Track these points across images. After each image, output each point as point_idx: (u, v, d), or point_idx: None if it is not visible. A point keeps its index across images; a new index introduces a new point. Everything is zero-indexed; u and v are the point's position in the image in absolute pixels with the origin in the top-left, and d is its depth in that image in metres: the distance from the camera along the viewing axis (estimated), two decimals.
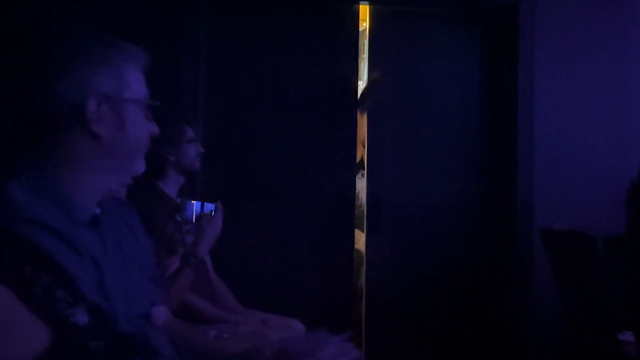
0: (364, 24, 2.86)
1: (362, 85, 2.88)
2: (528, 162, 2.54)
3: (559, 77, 2.51)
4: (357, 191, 3.24)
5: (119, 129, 0.95)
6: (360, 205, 3.26)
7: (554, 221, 2.44)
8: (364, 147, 2.97)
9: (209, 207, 1.96)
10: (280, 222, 2.55)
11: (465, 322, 2.65)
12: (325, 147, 2.62)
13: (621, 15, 2.50)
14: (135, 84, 0.99)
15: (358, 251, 3.12)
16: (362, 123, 2.76)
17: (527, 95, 2.54)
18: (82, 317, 0.83)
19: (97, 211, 0.98)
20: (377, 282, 2.68)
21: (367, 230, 2.70)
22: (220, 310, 2.03)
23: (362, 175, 3.30)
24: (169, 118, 2.13)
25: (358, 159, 3.38)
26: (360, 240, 2.89)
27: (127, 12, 2.35)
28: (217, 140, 2.43)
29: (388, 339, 2.68)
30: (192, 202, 2.03)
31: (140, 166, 1.02)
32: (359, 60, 2.72)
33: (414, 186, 2.69)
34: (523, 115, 2.55)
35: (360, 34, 2.73)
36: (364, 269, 2.91)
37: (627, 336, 2.14)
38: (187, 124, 2.17)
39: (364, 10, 2.72)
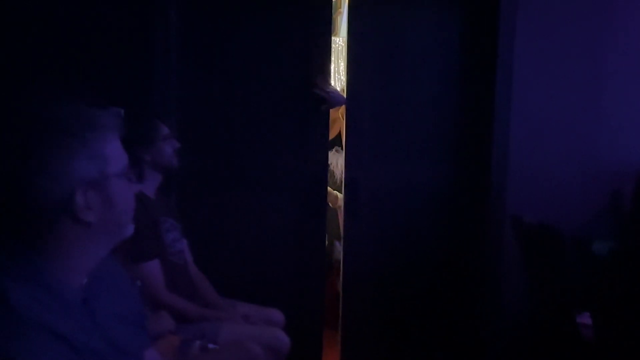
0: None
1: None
2: (503, 147, 2.65)
3: (539, 61, 2.59)
4: (331, 166, 3.34)
5: (107, 209, 1.00)
6: (335, 182, 3.36)
7: (526, 208, 2.58)
8: (342, 119, 3.03)
9: None
10: (252, 208, 2.65)
11: (435, 303, 2.84)
12: (298, 132, 2.67)
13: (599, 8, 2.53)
14: (115, 155, 1.02)
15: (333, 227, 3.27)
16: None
17: (505, 79, 2.61)
18: None
19: (84, 281, 1.04)
20: (354, 262, 2.83)
21: (344, 213, 2.80)
22: (201, 307, 2.14)
23: (337, 151, 3.39)
24: (141, 117, 2.17)
25: (336, 132, 3.44)
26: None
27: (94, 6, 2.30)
28: (189, 131, 2.46)
29: (364, 316, 2.86)
30: None
31: (129, 229, 1.08)
32: (332, 39, 2.73)
33: (391, 169, 2.79)
34: (500, 99, 2.63)
35: (334, 6, 2.72)
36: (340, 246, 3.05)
37: (585, 319, 2.34)
38: (161, 121, 2.20)
39: None
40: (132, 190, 1.06)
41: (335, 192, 3.28)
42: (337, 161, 3.41)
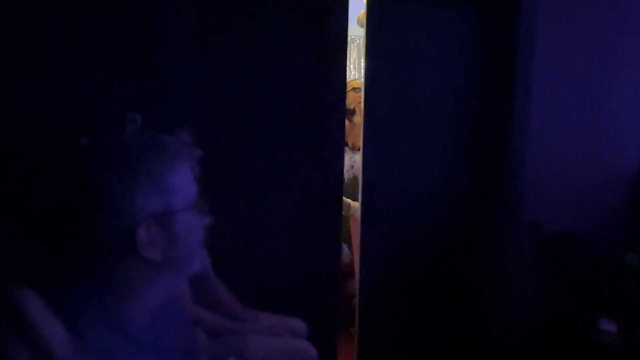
0: None
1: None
2: (521, 151, 2.63)
3: (559, 69, 2.58)
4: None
5: (174, 245, 0.94)
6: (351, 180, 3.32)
7: (544, 213, 2.57)
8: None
9: None
10: (267, 215, 2.60)
11: (452, 308, 2.83)
12: (313, 138, 2.63)
13: (620, 12, 2.52)
14: (184, 186, 0.96)
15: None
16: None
17: (524, 81, 2.61)
18: None
19: (149, 317, 1.00)
20: (370, 265, 2.80)
21: (362, 216, 2.78)
22: (226, 320, 2.10)
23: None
24: (161, 125, 2.11)
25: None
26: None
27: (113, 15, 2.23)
28: (205, 139, 2.40)
29: (380, 321, 2.84)
30: None
31: (197, 263, 1.02)
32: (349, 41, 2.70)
33: (408, 172, 2.77)
34: (519, 102, 2.62)
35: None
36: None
37: (608, 325, 2.35)
38: (182, 129, 2.14)
39: None
40: (201, 222, 0.99)
41: (346, 200, 3.24)
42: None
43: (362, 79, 2.78)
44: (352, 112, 3.30)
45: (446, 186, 2.79)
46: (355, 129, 3.22)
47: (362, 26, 2.94)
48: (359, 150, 2.93)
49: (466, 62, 2.73)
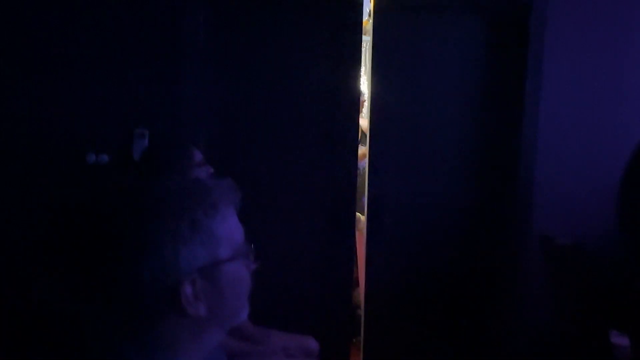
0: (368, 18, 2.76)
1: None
2: (530, 164, 2.62)
3: (567, 81, 2.58)
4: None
5: (220, 298, 0.88)
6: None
7: (552, 225, 2.57)
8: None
9: None
10: (280, 230, 2.57)
11: (460, 320, 2.82)
12: (327, 150, 2.60)
13: (632, 22, 2.53)
14: (230, 234, 0.89)
15: None
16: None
17: (533, 96, 2.59)
18: None
19: None
20: (376, 278, 2.78)
21: (367, 229, 2.75)
22: (241, 342, 2.06)
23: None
24: (174, 144, 2.06)
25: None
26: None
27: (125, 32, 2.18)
28: (217, 154, 2.37)
29: (386, 333, 2.83)
30: None
31: (244, 313, 0.95)
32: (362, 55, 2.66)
33: (415, 186, 2.74)
34: (528, 117, 2.61)
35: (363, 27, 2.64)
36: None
37: (620, 339, 2.36)
38: (195, 147, 2.10)
39: None
40: (248, 270, 0.93)
41: None
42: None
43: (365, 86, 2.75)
44: None
45: (453, 198, 2.77)
46: None
47: (365, 34, 2.91)
48: None
49: (474, 73, 2.71)
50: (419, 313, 2.84)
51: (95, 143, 2.18)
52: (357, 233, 3.23)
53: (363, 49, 2.68)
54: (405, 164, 2.74)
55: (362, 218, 3.02)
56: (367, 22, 3.00)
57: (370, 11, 2.75)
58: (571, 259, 2.44)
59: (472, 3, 2.62)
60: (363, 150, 2.95)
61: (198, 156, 2.08)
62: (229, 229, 0.90)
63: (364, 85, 3.20)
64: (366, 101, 2.93)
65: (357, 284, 3.21)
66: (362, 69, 2.85)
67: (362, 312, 2.90)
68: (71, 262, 0.91)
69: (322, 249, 2.65)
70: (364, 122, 3.09)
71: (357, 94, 2.63)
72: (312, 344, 2.24)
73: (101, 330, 0.91)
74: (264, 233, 2.54)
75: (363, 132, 3.21)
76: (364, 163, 2.93)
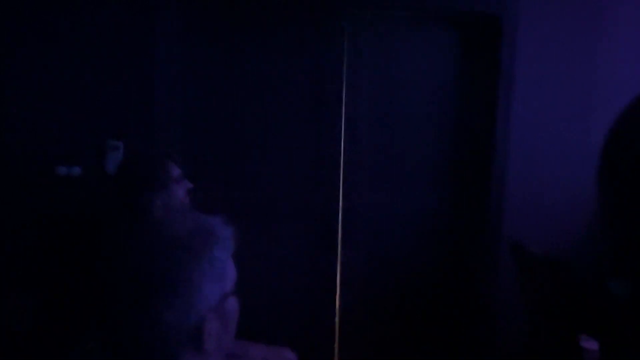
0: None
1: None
2: (502, 173, 2.67)
3: (539, 89, 2.63)
4: None
5: (225, 331, 0.89)
6: None
7: (523, 233, 2.63)
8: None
9: None
10: (265, 241, 2.56)
11: (433, 328, 2.85)
12: (310, 166, 2.61)
13: (600, 33, 2.61)
14: (231, 268, 0.91)
15: None
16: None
17: (505, 105, 2.64)
18: None
19: None
20: (351, 287, 2.79)
21: (341, 239, 2.76)
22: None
23: None
24: (151, 159, 2.02)
25: None
26: None
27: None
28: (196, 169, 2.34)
29: (361, 342, 2.84)
30: None
31: (232, 345, 0.97)
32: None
33: (388, 194, 2.76)
34: (501, 127, 2.66)
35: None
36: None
37: (590, 344, 2.43)
38: (172, 162, 2.06)
39: None
40: (238, 307, 0.94)
41: None
42: None
43: None
44: None
45: (427, 208, 2.81)
46: None
47: None
48: None
49: (447, 83, 2.75)
50: (395, 321, 2.86)
51: (67, 155, 2.13)
52: None
53: None
54: (379, 172, 2.76)
55: None
56: None
57: None
58: (541, 266, 2.50)
59: (444, 14, 2.66)
60: None
61: (176, 171, 2.05)
62: (231, 264, 0.92)
63: None
64: None
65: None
66: None
67: (337, 319, 2.90)
68: (93, 305, 0.90)
69: (305, 259, 2.65)
70: None
71: (340, 101, 2.64)
72: (289, 354, 2.24)
73: None
74: (243, 244, 2.52)
75: None
76: None
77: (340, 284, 2.81)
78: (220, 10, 2.43)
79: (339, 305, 2.84)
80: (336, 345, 2.88)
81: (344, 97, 2.64)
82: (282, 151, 2.59)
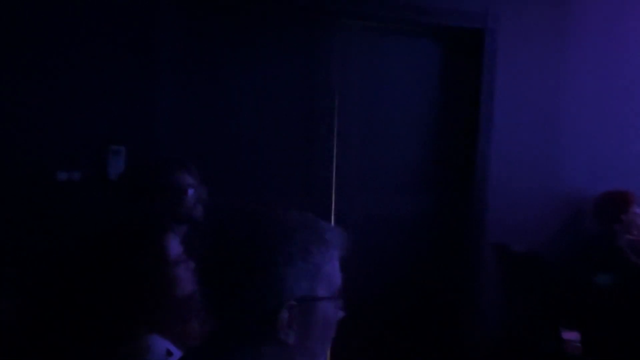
0: None
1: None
2: (483, 178, 2.82)
3: (518, 97, 2.81)
4: None
5: (310, 333, 0.91)
6: None
7: (504, 234, 2.79)
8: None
9: None
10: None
11: (420, 327, 2.95)
12: (303, 171, 2.66)
13: (571, 43, 2.83)
14: (331, 275, 0.94)
15: None
16: None
17: (486, 113, 2.80)
18: None
19: None
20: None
21: None
22: None
23: None
24: (164, 167, 2.00)
25: None
26: None
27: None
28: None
29: (348, 347, 2.88)
30: None
31: (323, 356, 0.98)
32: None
33: (376, 199, 2.85)
34: (483, 132, 2.81)
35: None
36: None
37: (571, 335, 2.60)
38: (185, 171, 2.05)
39: None
40: (337, 317, 0.97)
41: None
42: None
43: None
44: None
45: (414, 211, 2.92)
46: None
47: None
48: None
49: (430, 93, 2.89)
50: (380, 319, 2.94)
51: (68, 160, 2.08)
52: None
53: None
54: (368, 177, 2.85)
55: None
56: None
57: None
58: (524, 263, 2.66)
59: (430, 27, 2.79)
60: None
61: (189, 179, 2.03)
62: (332, 270, 0.95)
63: None
64: None
65: None
66: None
67: None
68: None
69: None
70: None
71: (332, 106, 2.71)
72: None
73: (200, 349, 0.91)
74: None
75: None
76: None
77: None
78: (218, 15, 2.45)
79: None
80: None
81: (335, 104, 2.71)
82: (276, 156, 2.63)
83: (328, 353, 0.99)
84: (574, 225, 2.93)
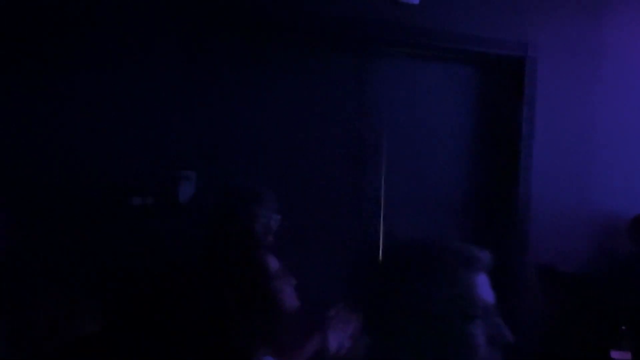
0: None
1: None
2: (525, 200, 2.90)
3: (557, 120, 2.92)
4: None
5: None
6: None
7: (548, 255, 2.86)
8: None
9: None
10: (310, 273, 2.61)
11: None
12: (352, 200, 2.72)
13: (611, 68, 2.95)
14: (484, 295, 1.01)
15: None
16: None
17: (527, 136, 2.90)
18: None
19: None
20: None
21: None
22: None
23: None
24: (251, 191, 2.05)
25: None
26: None
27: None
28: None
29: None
30: None
31: None
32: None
33: (425, 224, 2.90)
34: (524, 155, 2.90)
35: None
36: None
37: (622, 355, 2.63)
38: (258, 201, 2.10)
39: None
40: (502, 337, 1.02)
41: None
42: None
43: None
44: None
45: (458, 235, 2.98)
46: None
47: None
48: None
49: (470, 120, 2.98)
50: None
51: (141, 186, 2.13)
52: None
53: None
54: (411, 205, 2.91)
55: None
56: None
57: None
58: (573, 285, 2.71)
59: (469, 54, 2.90)
60: None
61: (272, 203, 2.08)
62: (484, 287, 1.03)
63: None
64: None
65: None
66: None
67: None
68: None
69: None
70: None
71: (379, 129, 2.78)
72: None
73: None
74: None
75: None
76: None
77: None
78: (279, 48, 2.55)
79: None
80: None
81: (382, 127, 2.79)
82: (328, 177, 2.68)
83: None
84: (610, 245, 3.01)
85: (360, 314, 1.03)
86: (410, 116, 2.90)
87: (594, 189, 3.04)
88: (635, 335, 2.56)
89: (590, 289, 2.66)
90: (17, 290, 1.61)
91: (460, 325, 0.95)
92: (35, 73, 2.06)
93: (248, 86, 2.48)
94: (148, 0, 2.19)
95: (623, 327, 2.48)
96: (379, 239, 2.83)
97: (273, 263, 1.64)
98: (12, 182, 1.94)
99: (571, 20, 2.96)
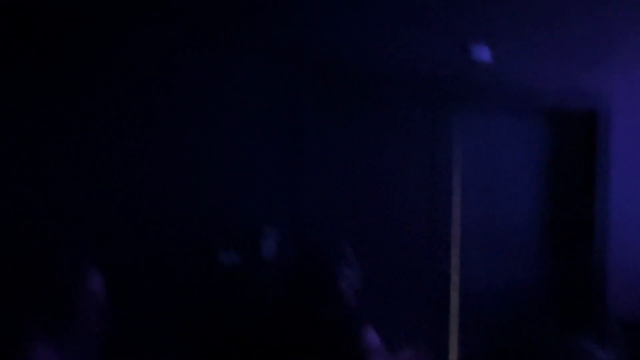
0: None
1: None
2: (603, 251, 2.87)
3: (633, 169, 2.87)
4: None
5: None
6: None
7: (627, 306, 2.80)
8: None
9: None
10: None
11: None
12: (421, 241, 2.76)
13: None
14: None
15: None
16: None
17: (603, 185, 2.89)
18: None
19: None
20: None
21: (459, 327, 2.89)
22: None
23: None
24: (322, 259, 2.12)
25: None
26: None
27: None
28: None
29: None
30: None
31: None
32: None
33: (498, 270, 2.92)
34: (600, 204, 2.89)
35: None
36: None
37: None
38: (344, 251, 2.16)
39: None
40: None
41: None
42: None
43: None
44: None
45: (534, 282, 2.98)
46: None
47: None
48: None
49: (546, 167, 3.00)
50: None
51: (225, 242, 2.25)
52: None
53: None
54: (489, 242, 2.93)
55: None
56: None
57: None
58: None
59: (539, 107, 2.93)
60: None
61: (348, 256, 2.15)
62: None
63: None
64: None
65: None
66: None
67: None
68: None
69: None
70: None
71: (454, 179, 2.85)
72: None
73: None
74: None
75: None
76: None
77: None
78: (352, 103, 2.64)
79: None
80: None
81: (458, 177, 2.84)
82: (399, 241, 2.74)
83: None
84: None
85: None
86: (485, 163, 2.94)
87: None
88: None
89: None
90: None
91: None
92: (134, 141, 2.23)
93: (330, 145, 2.58)
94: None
95: None
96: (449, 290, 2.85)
97: (373, 340, 1.65)
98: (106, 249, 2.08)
99: None
